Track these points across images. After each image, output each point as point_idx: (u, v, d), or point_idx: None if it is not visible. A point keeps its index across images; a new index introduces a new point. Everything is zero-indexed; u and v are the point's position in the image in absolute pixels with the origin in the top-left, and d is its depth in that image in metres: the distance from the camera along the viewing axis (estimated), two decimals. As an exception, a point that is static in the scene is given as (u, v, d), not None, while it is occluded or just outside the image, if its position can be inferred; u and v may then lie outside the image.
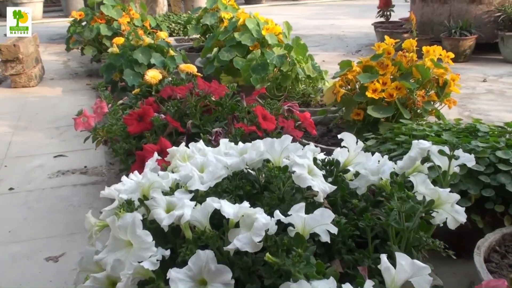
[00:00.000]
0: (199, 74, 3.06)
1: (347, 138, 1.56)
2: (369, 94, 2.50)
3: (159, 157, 1.81)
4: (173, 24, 6.17)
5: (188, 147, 1.75)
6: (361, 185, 1.54)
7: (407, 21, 6.02)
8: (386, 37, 2.75)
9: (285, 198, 1.41)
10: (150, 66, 3.39)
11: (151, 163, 1.74)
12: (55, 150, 3.11)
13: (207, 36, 4.87)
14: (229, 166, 1.50)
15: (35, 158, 3.01)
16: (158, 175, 1.51)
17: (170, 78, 3.13)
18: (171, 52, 3.48)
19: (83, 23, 4.90)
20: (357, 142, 1.57)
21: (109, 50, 3.43)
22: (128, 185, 1.58)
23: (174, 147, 1.78)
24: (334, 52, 5.60)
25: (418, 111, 2.62)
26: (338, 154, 1.65)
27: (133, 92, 3.04)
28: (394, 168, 1.54)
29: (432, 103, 2.62)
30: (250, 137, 2.14)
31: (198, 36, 4.96)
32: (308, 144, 1.60)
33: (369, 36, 6.54)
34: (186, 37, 5.83)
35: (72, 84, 4.75)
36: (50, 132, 3.45)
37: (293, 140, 2.17)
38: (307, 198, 1.44)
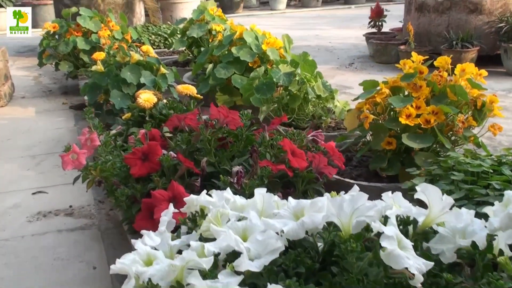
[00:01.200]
0: (199, 96, 2.70)
1: (431, 192, 1.22)
2: (403, 120, 2.18)
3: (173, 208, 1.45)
4: (153, 36, 5.78)
5: (209, 195, 1.41)
6: (448, 252, 1.21)
7: (399, 31, 5.78)
8: (413, 53, 2.44)
9: (365, 280, 1.06)
10: (139, 86, 3.00)
11: (166, 218, 1.38)
12: (33, 185, 2.69)
13: (192, 49, 4.52)
14: (284, 234, 1.15)
15: (9, 196, 2.59)
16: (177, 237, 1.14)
17: (165, 101, 2.76)
18: (162, 70, 3.11)
19: (57, 36, 4.47)
20: (442, 197, 1.23)
21: (93, 68, 3.04)
22: (144, 255, 1.21)
23: (192, 196, 1.44)
24: (326, 65, 5.29)
25: (454, 137, 2.31)
26: (388, 198, 1.33)
27: (123, 116, 2.66)
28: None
29: (470, 128, 2.32)
30: (277, 177, 1.80)
31: (183, 49, 4.59)
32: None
33: (359, 48, 6.27)
34: (168, 50, 5.45)
35: (46, 103, 4.31)
36: (25, 162, 3.02)
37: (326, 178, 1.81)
38: (390, 278, 1.10)
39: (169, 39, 5.73)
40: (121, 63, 3.16)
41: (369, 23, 5.77)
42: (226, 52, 3.40)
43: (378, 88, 2.35)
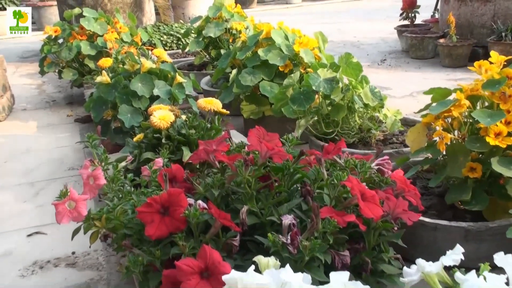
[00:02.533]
0: (225, 110, 2.23)
1: None
2: (491, 140, 1.69)
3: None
4: (165, 36, 5.32)
5: (255, 264, 0.98)
6: None
7: (434, 23, 5.26)
8: (493, 53, 1.95)
9: None
10: (153, 99, 2.54)
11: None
12: (29, 223, 2.25)
13: (209, 50, 4.05)
14: None
15: (0, 238, 2.15)
16: None
17: (183, 117, 2.30)
18: (179, 79, 2.64)
19: (60, 40, 4.02)
20: None
21: (97, 79, 2.58)
22: None
23: (234, 273, 1.00)
24: (355, 62, 4.79)
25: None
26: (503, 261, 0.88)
27: (134, 138, 2.20)
28: None
29: None
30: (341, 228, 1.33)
31: (199, 50, 4.12)
32: None
33: (388, 42, 5.77)
34: (182, 52, 4.99)
35: (50, 115, 3.87)
36: (22, 192, 2.58)
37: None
38: None
39: (183, 40, 5.27)
40: (130, 72, 2.70)
41: (401, 14, 5.26)
42: (252, 55, 2.93)
43: (454, 98, 1.86)
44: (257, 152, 1.46)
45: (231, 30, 3.88)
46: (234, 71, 2.89)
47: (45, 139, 3.36)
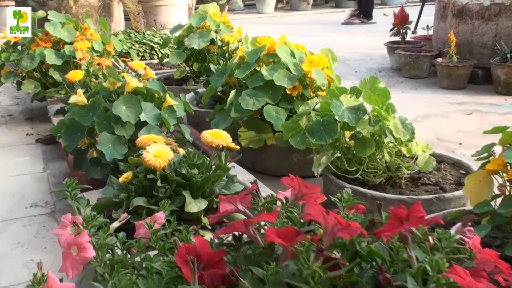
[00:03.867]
0: (234, 145, 1.81)
1: None
2: None
3: None
4: (137, 45, 4.84)
5: None
6: None
7: (425, 40, 4.98)
8: None
9: None
10: (139, 125, 2.09)
11: None
12: (-19, 285, 1.76)
13: (191, 63, 3.62)
14: None
15: None
16: None
17: (181, 151, 1.88)
18: (169, 100, 2.20)
19: (20, 47, 3.50)
20: None
21: (71, 99, 2.11)
22: None
23: None
24: (345, 80, 4.43)
25: None
26: None
27: (120, 178, 1.76)
28: None
29: None
30: None
31: (178, 63, 3.68)
32: None
33: (375, 58, 5.46)
34: (159, 63, 4.52)
35: (5, 134, 3.34)
36: (-29, 238, 2.08)
37: None
38: None
39: (157, 49, 4.81)
40: (110, 90, 2.24)
41: (391, 30, 4.95)
42: (252, 74, 2.51)
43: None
44: (323, 229, 1.05)
45: (214, 41, 3.46)
46: (233, 93, 2.47)
47: None
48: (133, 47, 4.76)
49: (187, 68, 3.74)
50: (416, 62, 4.41)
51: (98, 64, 3.11)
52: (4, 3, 8.04)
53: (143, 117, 2.09)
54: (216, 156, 1.80)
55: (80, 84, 2.91)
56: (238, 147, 1.81)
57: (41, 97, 3.50)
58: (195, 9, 6.41)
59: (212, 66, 2.99)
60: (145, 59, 4.77)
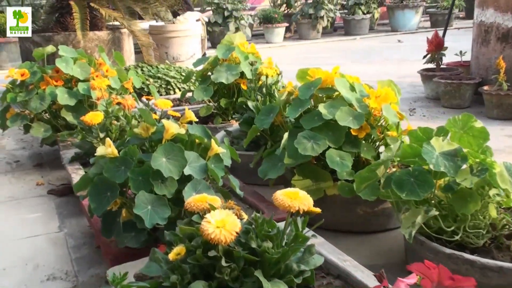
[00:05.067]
0: (316, 209, 1.41)
1: None
2: None
3: None
4: (151, 80, 4.48)
5: None
6: None
7: (462, 66, 4.63)
8: None
9: None
10: (182, 180, 1.70)
11: None
12: None
13: (217, 99, 3.26)
14: None
15: None
16: None
17: (244, 216, 1.50)
18: (216, 148, 1.81)
19: (27, 87, 3.12)
20: None
21: (99, 151, 1.72)
22: None
23: None
24: (380, 112, 4.07)
25: None
26: None
27: (170, 255, 1.36)
28: None
29: None
30: None
31: (205, 99, 3.31)
32: None
33: (404, 87, 5.11)
34: (174, 98, 4.15)
35: (12, 184, 2.94)
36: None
37: None
38: None
39: (173, 84, 4.45)
40: (142, 137, 1.85)
41: (425, 57, 4.60)
42: (307, 113, 2.13)
43: None
44: None
45: (249, 75, 3.09)
46: (286, 136, 2.08)
47: (6, 223, 2.43)
48: (147, 81, 4.40)
49: (212, 104, 3.37)
50: (458, 91, 4.04)
51: (118, 103, 2.74)
52: (2, 39, 7.74)
53: (187, 170, 1.70)
54: (293, 222, 1.41)
55: (99, 127, 2.53)
56: (319, 210, 1.40)
57: (51, 141, 3.11)
58: (208, 40, 6.10)
59: (250, 103, 2.61)
60: (161, 95, 4.41)
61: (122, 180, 1.67)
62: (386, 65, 6.54)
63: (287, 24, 9.94)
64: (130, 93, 3.20)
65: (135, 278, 1.57)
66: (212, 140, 1.85)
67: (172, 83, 4.46)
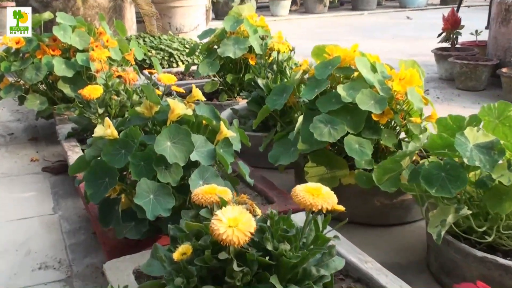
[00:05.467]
0: (341, 207, 1.26)
1: None
2: None
3: None
4: (153, 51, 4.29)
5: None
6: None
7: (476, 46, 4.43)
8: None
9: None
10: (188, 166, 1.54)
11: None
12: None
13: (223, 74, 3.08)
14: None
15: None
16: None
17: (262, 217, 1.35)
18: (225, 131, 1.65)
19: (22, 55, 2.94)
20: None
21: (96, 131, 1.55)
22: None
23: None
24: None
25: None
26: None
27: (174, 255, 1.21)
28: None
29: None
30: None
31: (211, 75, 3.13)
32: None
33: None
34: (177, 71, 3.97)
35: (5, 159, 2.79)
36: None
37: None
38: None
39: (176, 56, 4.26)
40: (146, 117, 1.69)
41: (439, 35, 4.40)
42: (324, 94, 1.96)
43: None
44: None
45: (252, 49, 2.91)
46: (300, 119, 1.92)
47: (-1, 201, 2.29)
48: (149, 53, 4.21)
49: (217, 79, 3.19)
50: (474, 72, 3.86)
51: (119, 77, 2.57)
52: (4, 3, 7.49)
53: (194, 156, 1.54)
54: (313, 220, 1.26)
55: (98, 102, 2.36)
56: (343, 208, 1.25)
57: (48, 114, 2.94)
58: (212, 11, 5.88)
59: (259, 81, 2.44)
60: (163, 67, 4.22)
61: (122, 165, 1.51)
62: (397, 43, 6.33)
63: (293, -3, 9.69)
64: (131, 65, 3.03)
65: (134, 275, 1.43)
66: (221, 122, 1.68)
67: (175, 56, 4.27)
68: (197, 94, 1.80)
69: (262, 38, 2.67)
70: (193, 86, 1.85)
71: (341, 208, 1.25)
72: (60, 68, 2.77)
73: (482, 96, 3.82)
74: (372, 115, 1.85)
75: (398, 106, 1.93)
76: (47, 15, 3.06)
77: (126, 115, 2.34)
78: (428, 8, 10.10)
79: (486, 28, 5.59)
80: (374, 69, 1.98)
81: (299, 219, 1.62)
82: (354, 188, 1.91)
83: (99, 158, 1.56)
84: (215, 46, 3.20)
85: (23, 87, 2.88)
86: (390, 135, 1.89)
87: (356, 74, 2.03)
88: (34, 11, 4.44)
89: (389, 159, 1.62)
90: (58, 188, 2.40)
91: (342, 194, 1.96)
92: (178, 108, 1.59)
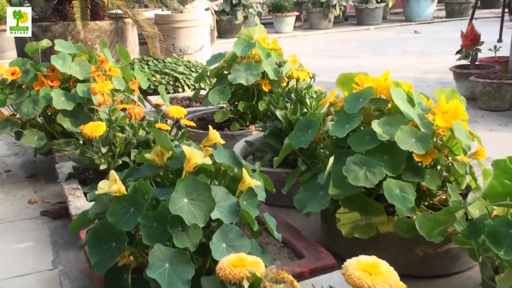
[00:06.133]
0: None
1: None
2: None
3: None
4: (158, 76, 4.08)
5: None
6: None
7: (497, 63, 4.22)
8: None
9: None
10: (209, 223, 1.31)
11: None
12: None
13: (234, 101, 2.87)
14: None
15: None
16: None
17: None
18: (248, 180, 1.42)
19: (19, 87, 2.73)
20: None
21: (100, 188, 1.33)
22: None
23: None
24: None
25: None
26: None
27: None
28: None
29: None
30: None
31: (222, 103, 2.92)
32: None
33: (431, 84, 4.70)
34: (183, 97, 3.76)
35: (1, 202, 2.56)
36: None
37: None
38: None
39: (182, 80, 4.05)
40: (156, 165, 1.47)
41: (458, 52, 4.19)
42: (356, 131, 1.74)
43: None
44: None
45: (265, 75, 2.70)
46: (331, 160, 1.69)
47: (-8, 253, 2.05)
48: (153, 78, 4.00)
49: (227, 107, 2.98)
50: (498, 91, 3.64)
51: (123, 109, 2.36)
52: (2, 26, 7.31)
53: (215, 214, 1.31)
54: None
55: (101, 140, 2.14)
56: (405, 286, 1.02)
57: (46, 150, 2.72)
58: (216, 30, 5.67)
59: (278, 113, 2.22)
60: (168, 93, 4.01)
61: (132, 227, 1.29)
62: (408, 59, 6.13)
63: (297, 13, 9.50)
64: (136, 95, 2.82)
65: None
66: (244, 170, 1.46)
67: (181, 80, 4.06)
68: (215, 137, 1.57)
69: (279, 65, 2.45)
70: (210, 128, 1.62)
71: (402, 286, 1.02)
72: (60, 101, 2.56)
73: (507, 116, 3.60)
74: (414, 155, 1.62)
75: (440, 142, 1.71)
76: (45, 42, 2.85)
77: (132, 155, 2.13)
78: (435, 21, 9.92)
79: (499, 41, 5.40)
80: (410, 100, 1.76)
81: (337, 280, 1.40)
82: (393, 236, 1.68)
83: (104, 218, 1.33)
84: (225, 71, 3.00)
85: (19, 121, 2.66)
86: (433, 176, 1.67)
87: (389, 105, 1.81)
88: (33, 35, 4.25)
89: (443, 211, 1.39)
90: (58, 236, 2.17)
91: (379, 243, 1.74)
92: (195, 157, 1.37)
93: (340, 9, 9.30)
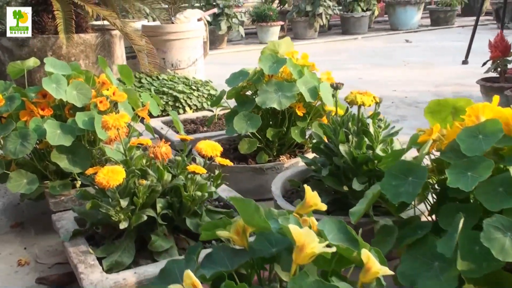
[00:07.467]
0: None
1: None
2: None
3: None
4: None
5: None
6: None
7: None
8: None
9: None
10: None
11: None
12: None
13: (263, 128, 2.42)
14: None
15: None
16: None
17: None
18: (375, 268, 0.96)
19: (1, 117, 2.20)
20: None
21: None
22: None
23: None
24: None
25: None
26: None
27: None
28: None
29: None
30: None
31: (246, 132, 2.45)
32: None
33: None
34: (185, 119, 3.28)
35: (-18, 262, 2.03)
36: None
37: None
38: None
39: (182, 100, 3.57)
40: (237, 247, 0.99)
41: (484, 63, 3.83)
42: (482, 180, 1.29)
43: None
44: None
45: (296, 97, 2.25)
46: (461, 223, 1.24)
47: None
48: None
49: (260, 139, 2.51)
50: (541, 107, 3.27)
51: (139, 145, 1.88)
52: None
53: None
54: None
55: (119, 191, 1.65)
56: None
57: (37, 195, 2.20)
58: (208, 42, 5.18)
59: (342, 147, 1.76)
60: (168, 115, 3.51)
61: None
62: (410, 71, 5.77)
63: (282, 23, 9.10)
64: (147, 123, 2.33)
65: None
66: (366, 251, 0.99)
67: (181, 99, 3.57)
68: (315, 201, 1.10)
69: (336, 88, 1.99)
70: (307, 188, 1.15)
71: None
72: (55, 135, 2.05)
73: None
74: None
75: None
76: (32, 62, 2.33)
77: (158, 206, 1.65)
78: (421, 30, 9.67)
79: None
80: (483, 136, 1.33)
81: None
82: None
83: None
84: (248, 91, 2.55)
85: (2, 160, 2.14)
86: None
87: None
88: (7, 51, 3.71)
89: None
90: (62, 315, 1.66)
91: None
92: (312, 244, 0.90)
93: (326, 18, 8.94)
